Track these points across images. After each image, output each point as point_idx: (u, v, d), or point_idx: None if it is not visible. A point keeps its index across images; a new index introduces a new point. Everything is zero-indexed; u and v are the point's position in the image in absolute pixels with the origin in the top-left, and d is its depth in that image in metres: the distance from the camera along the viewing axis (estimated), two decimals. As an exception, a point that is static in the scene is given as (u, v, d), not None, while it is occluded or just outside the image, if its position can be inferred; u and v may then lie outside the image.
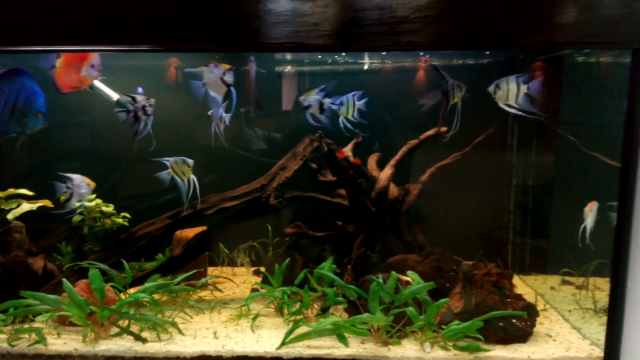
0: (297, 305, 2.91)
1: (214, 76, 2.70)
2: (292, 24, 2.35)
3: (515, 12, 2.30)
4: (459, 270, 2.86)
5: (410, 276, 2.78)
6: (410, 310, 2.61)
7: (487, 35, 2.35)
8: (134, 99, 2.71)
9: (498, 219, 3.82)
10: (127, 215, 3.29)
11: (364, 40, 2.35)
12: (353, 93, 2.88)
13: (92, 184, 2.82)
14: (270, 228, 3.73)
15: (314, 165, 3.58)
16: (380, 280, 2.65)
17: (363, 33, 2.34)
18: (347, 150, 3.43)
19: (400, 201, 3.47)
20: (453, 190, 3.72)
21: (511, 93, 2.59)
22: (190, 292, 3.13)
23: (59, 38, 2.33)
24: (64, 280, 2.62)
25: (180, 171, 2.73)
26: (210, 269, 3.73)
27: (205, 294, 3.36)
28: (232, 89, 2.74)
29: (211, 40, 2.38)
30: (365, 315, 2.60)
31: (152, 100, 2.74)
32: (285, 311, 2.93)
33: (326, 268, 2.99)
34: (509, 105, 2.62)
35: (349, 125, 2.93)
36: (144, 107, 2.73)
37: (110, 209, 3.20)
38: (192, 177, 2.80)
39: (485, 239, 3.81)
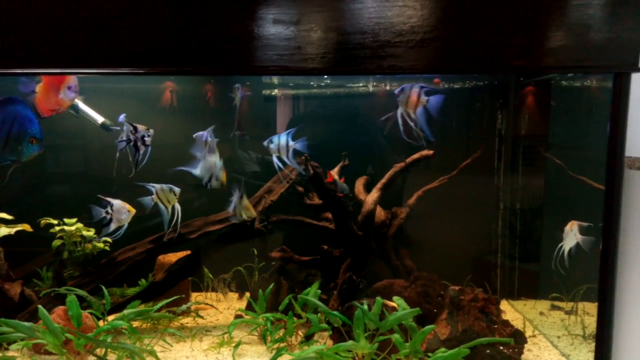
0: (281, 332, 2.84)
1: (213, 165, 2.74)
2: (275, 47, 2.35)
3: (498, 36, 2.32)
4: (446, 295, 2.81)
5: (396, 302, 2.73)
6: (396, 337, 2.55)
7: (470, 59, 2.35)
8: (135, 128, 2.70)
9: (486, 243, 3.78)
10: (109, 240, 3.23)
11: (346, 64, 2.35)
12: (288, 131, 2.79)
13: (132, 211, 2.77)
14: (255, 252, 3.67)
15: (300, 189, 3.55)
16: (365, 307, 2.59)
17: (346, 57, 2.35)
18: (334, 173, 3.41)
19: (387, 225, 3.44)
20: (441, 213, 3.69)
21: (411, 101, 2.52)
22: (172, 319, 3.05)
23: (50, 61, 2.32)
24: (40, 307, 2.54)
25: (165, 199, 2.68)
26: (194, 295, 3.66)
27: (187, 320, 3.28)
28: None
29: (197, 64, 2.38)
30: (350, 342, 2.53)
31: (151, 131, 2.75)
32: (269, 338, 2.86)
33: (311, 294, 2.94)
34: (408, 114, 2.53)
35: (281, 165, 2.85)
36: (143, 137, 2.72)
37: (91, 233, 3.14)
38: (177, 205, 2.75)
39: (474, 263, 3.76)
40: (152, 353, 2.61)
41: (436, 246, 3.70)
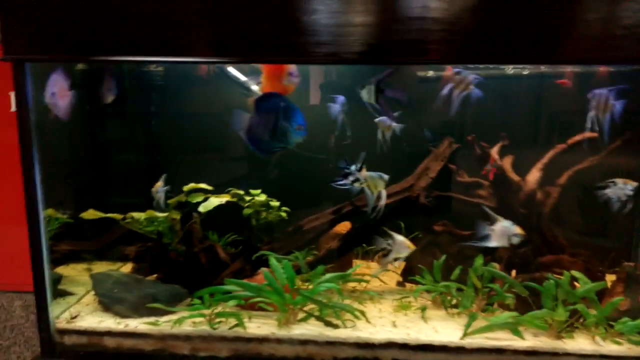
0: (461, 300, 3.09)
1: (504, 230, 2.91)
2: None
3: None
4: (621, 270, 3.02)
5: (577, 275, 2.94)
6: (582, 307, 2.78)
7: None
8: (351, 166, 2.89)
9: (630, 223, 3.91)
10: (288, 209, 3.52)
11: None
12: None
13: (413, 247, 2.95)
14: (402, 225, 3.88)
15: (452, 167, 3.75)
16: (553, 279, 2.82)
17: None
18: (494, 153, 3.59)
19: (542, 204, 3.62)
20: (586, 193, 3.84)
21: (602, 105, 2.64)
22: (360, 283, 3.39)
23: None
24: (264, 269, 2.85)
25: (373, 185, 2.88)
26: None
27: (353, 285, 3.56)
28: None
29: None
30: (544, 310, 2.77)
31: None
32: (448, 305, 3.12)
33: (478, 265, 3.15)
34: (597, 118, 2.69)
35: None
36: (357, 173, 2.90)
37: (276, 203, 3.43)
38: (383, 192, 2.92)
39: (618, 242, 3.91)
40: (363, 313, 2.90)
41: (582, 224, 3.87)
